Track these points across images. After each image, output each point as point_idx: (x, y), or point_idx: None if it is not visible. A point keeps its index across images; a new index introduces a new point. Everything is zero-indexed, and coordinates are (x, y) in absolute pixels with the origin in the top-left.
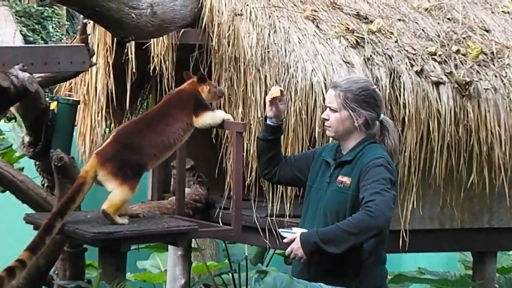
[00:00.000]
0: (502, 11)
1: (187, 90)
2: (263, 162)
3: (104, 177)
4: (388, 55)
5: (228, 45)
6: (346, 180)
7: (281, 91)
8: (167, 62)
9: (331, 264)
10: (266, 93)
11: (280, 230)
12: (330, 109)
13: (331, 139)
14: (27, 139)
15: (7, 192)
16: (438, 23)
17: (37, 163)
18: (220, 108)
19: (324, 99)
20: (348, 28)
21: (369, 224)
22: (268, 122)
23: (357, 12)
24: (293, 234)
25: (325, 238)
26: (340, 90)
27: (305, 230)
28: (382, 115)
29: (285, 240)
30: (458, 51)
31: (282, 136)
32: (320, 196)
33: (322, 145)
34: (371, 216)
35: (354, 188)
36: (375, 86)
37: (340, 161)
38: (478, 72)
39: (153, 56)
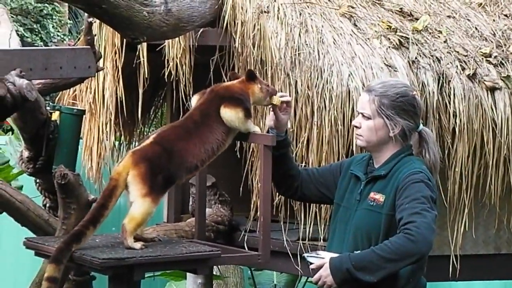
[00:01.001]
0: None
1: (236, 89)
2: (277, 181)
3: (132, 178)
4: (436, 57)
5: (253, 47)
6: (379, 197)
7: (285, 102)
8: (183, 66)
9: None
10: (297, 101)
11: (305, 254)
12: (363, 115)
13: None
14: (26, 153)
15: (4, 213)
16: (494, 20)
17: (37, 181)
18: None
19: None
20: (390, 27)
21: (409, 249)
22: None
23: (401, 8)
24: (321, 259)
25: (359, 264)
26: (375, 94)
27: (334, 255)
28: (421, 126)
29: (312, 266)
30: None
31: (291, 150)
32: (349, 215)
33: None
34: (412, 240)
35: (388, 207)
36: (415, 92)
37: (372, 175)
38: None
39: (168, 60)
